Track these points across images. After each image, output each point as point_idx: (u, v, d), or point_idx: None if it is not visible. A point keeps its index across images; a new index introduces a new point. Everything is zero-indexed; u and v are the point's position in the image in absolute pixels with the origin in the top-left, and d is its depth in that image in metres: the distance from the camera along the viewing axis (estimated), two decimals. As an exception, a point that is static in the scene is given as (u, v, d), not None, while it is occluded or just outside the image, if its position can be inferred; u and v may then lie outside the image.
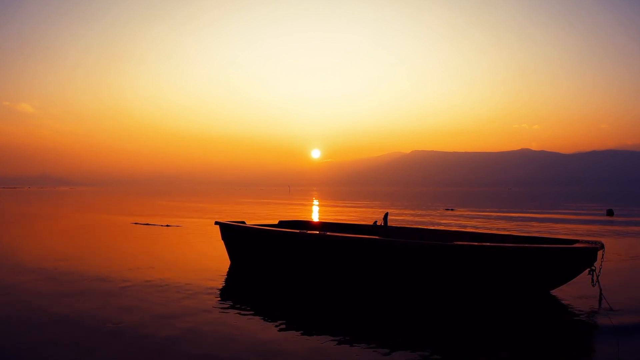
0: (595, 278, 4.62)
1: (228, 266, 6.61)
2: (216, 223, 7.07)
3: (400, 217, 17.50)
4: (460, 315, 4.25)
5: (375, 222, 7.12)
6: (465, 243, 4.88)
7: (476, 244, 4.80)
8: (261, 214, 19.63)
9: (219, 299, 4.80)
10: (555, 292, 5.02)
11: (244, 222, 7.23)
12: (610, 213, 19.86)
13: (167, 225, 13.35)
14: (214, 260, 7.11)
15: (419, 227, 7.07)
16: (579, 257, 4.60)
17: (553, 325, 3.97)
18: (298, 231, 5.90)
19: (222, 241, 7.06)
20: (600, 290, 4.62)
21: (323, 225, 7.81)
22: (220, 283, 5.56)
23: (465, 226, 13.97)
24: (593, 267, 4.64)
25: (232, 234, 6.79)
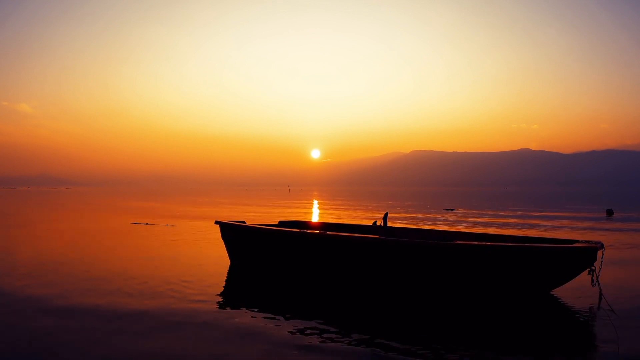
0: (595, 278, 4.62)
1: (228, 266, 6.62)
2: (216, 222, 7.08)
3: (400, 218, 17.51)
4: (460, 315, 4.26)
5: (375, 222, 7.13)
6: (465, 242, 4.88)
7: (476, 243, 4.81)
8: (261, 214, 19.63)
9: (219, 298, 4.80)
10: (555, 292, 5.02)
11: (244, 222, 7.23)
12: (610, 213, 19.87)
13: (167, 225, 13.36)
14: (214, 259, 7.11)
15: (419, 227, 7.07)
16: (579, 257, 4.60)
17: (553, 325, 3.97)
18: (298, 230, 5.91)
19: (222, 241, 7.07)
20: (600, 290, 4.62)
21: (323, 225, 7.82)
22: (220, 282, 5.57)
23: (464, 226, 13.97)
24: (593, 267, 4.64)
25: (232, 233, 6.79)
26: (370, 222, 7.37)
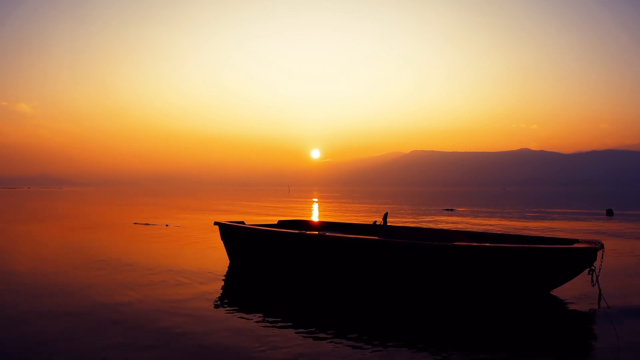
0: (595, 278, 4.62)
1: (227, 266, 6.61)
2: (215, 223, 7.07)
3: (400, 218, 17.50)
4: (460, 316, 4.25)
5: (375, 221, 7.13)
6: (465, 244, 4.87)
7: (476, 244, 4.79)
8: (260, 214, 19.61)
9: (218, 298, 4.80)
10: (555, 292, 5.01)
11: (243, 222, 7.22)
12: (609, 213, 19.86)
13: (167, 225, 13.35)
14: (214, 260, 7.11)
15: (419, 226, 7.07)
16: (579, 257, 4.59)
17: (553, 325, 3.96)
18: (297, 232, 5.90)
19: (222, 241, 7.06)
20: (600, 290, 4.62)
21: (322, 225, 7.80)
22: (219, 283, 5.56)
23: (464, 226, 13.96)
24: (593, 267, 4.64)
25: (231, 234, 6.78)
26: (368, 222, 7.36)
